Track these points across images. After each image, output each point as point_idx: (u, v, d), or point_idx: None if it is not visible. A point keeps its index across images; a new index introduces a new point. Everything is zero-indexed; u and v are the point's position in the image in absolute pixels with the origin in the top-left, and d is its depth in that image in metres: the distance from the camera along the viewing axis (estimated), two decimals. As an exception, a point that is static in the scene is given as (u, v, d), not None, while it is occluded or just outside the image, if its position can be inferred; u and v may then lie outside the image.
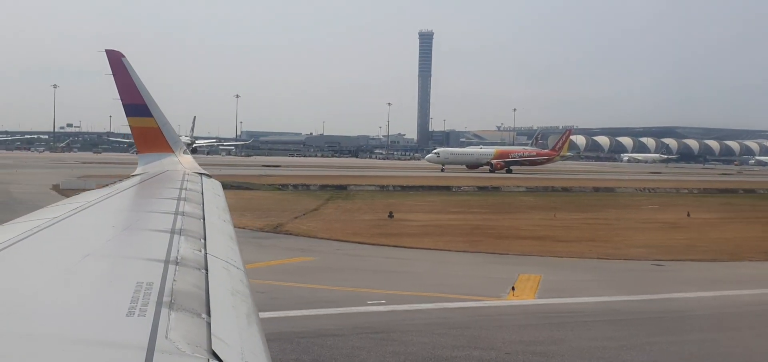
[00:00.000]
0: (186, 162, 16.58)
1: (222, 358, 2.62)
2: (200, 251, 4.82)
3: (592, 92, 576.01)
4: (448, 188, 68.55)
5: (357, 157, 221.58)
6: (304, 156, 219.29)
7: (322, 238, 30.47)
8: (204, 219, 6.65)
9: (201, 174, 14.68)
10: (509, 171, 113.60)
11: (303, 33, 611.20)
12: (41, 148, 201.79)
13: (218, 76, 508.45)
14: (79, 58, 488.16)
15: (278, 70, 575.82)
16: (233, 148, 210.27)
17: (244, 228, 33.19)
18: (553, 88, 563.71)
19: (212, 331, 2.92)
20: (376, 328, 15.77)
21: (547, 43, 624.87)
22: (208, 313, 3.20)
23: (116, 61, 16.14)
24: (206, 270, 4.21)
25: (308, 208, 43.46)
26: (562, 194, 67.24)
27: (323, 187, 63.00)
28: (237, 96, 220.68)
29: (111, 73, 16.18)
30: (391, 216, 37.98)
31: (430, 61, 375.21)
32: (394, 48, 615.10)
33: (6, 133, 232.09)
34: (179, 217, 6.35)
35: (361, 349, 13.87)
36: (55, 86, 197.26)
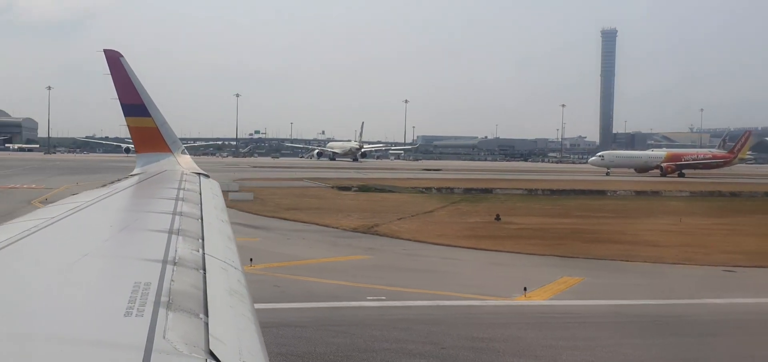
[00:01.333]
0: (184, 162, 16.57)
1: (220, 358, 2.62)
2: (198, 251, 4.82)
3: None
4: (601, 192, 65.62)
5: (527, 160, 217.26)
6: (473, 159, 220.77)
7: (404, 239, 30.46)
8: (202, 220, 6.65)
9: (199, 174, 14.67)
10: (681, 174, 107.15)
11: (476, 35, 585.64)
12: (225, 154, 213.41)
13: (387, 82, 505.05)
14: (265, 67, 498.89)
15: (451, 73, 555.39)
16: (402, 152, 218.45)
17: (337, 228, 33.92)
18: (746, 88, 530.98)
19: (210, 331, 2.92)
20: (343, 321, 16.16)
21: (739, 40, 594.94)
22: (206, 313, 3.20)
23: (114, 60, 16.13)
24: (204, 270, 4.21)
25: (424, 210, 43.33)
26: (723, 199, 63.39)
27: (468, 191, 62.37)
28: (406, 101, 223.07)
29: (109, 72, 16.16)
30: (498, 219, 37.62)
31: (614, 60, 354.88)
32: (572, 47, 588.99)
33: (201, 139, 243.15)
34: (177, 217, 6.35)
35: (300, 339, 14.24)
36: (237, 95, 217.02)
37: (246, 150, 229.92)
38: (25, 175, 70.88)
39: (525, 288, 18.92)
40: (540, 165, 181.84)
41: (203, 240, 5.40)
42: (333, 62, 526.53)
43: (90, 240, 5.43)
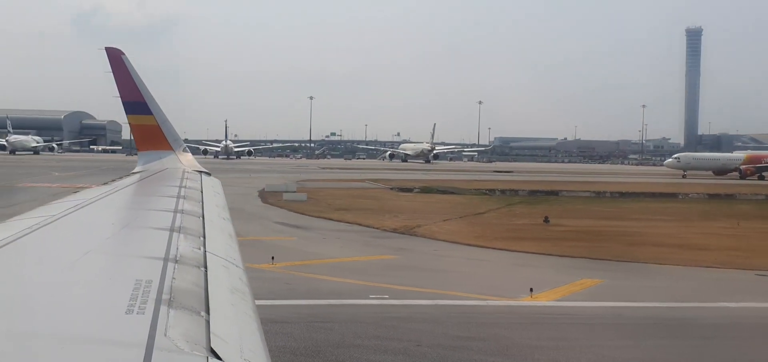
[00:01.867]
0: (186, 160, 16.60)
1: (221, 356, 2.62)
2: (199, 249, 4.82)
3: None
4: (672, 195, 63.90)
5: (605, 162, 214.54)
6: (550, 161, 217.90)
7: (440, 240, 30.10)
8: (203, 218, 6.66)
9: (201, 172, 14.69)
10: (761, 177, 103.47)
11: (556, 33, 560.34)
12: (299, 155, 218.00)
13: (463, 83, 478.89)
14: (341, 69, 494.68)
15: (530, 73, 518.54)
16: (476, 153, 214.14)
17: (378, 228, 33.62)
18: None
19: (211, 329, 2.92)
20: (334, 318, 16.29)
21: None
22: (208, 311, 3.20)
23: (116, 59, 16.14)
24: (205, 268, 4.21)
25: (476, 212, 43.13)
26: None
27: (532, 193, 61.17)
28: (480, 102, 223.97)
29: (110, 70, 16.17)
30: (546, 221, 37.19)
31: (699, 59, 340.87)
32: (655, 46, 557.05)
33: (278, 141, 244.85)
34: (178, 215, 6.35)
35: (281, 334, 14.29)
36: (311, 97, 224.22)
37: (319, 152, 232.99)
38: (87, 177, 71.17)
39: (531, 289, 18.84)
40: (618, 167, 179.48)
41: (205, 238, 5.40)
42: (408, 64, 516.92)
43: (91, 238, 5.43)
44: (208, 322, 3.02)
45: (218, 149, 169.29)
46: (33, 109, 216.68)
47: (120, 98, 16.39)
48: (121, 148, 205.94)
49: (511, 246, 28.47)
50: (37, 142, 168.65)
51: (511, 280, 21.81)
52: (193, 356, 2.55)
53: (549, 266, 24.36)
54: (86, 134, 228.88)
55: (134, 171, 15.61)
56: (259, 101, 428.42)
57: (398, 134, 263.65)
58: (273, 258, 22.68)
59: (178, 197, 8.36)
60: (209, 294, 3.54)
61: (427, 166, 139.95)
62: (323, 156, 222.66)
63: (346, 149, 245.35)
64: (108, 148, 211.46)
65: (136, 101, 16.47)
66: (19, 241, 4.67)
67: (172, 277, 3.63)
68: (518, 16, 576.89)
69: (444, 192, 59.45)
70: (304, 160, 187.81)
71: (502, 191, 62.86)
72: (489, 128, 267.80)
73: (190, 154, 17.59)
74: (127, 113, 16.72)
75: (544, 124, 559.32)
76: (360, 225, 34.96)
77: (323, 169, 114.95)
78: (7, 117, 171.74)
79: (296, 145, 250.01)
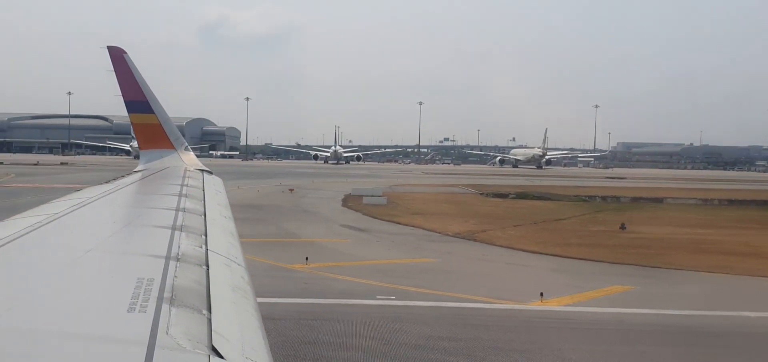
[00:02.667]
0: (187, 159, 16.61)
1: (222, 354, 2.62)
2: (201, 247, 4.82)
3: None
4: None
5: (732, 169, 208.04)
6: (672, 168, 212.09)
7: (497, 245, 29.83)
8: (205, 216, 6.66)
9: (202, 170, 14.70)
10: None
11: (678, 33, 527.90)
12: (408, 160, 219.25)
13: (579, 87, 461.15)
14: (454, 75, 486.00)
15: (653, 75, 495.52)
16: (591, 159, 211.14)
17: (440, 232, 33.66)
18: None
19: (213, 327, 2.93)
20: (325, 316, 16.55)
21: None
22: (209, 309, 3.20)
23: (118, 57, 16.16)
24: (207, 266, 4.21)
25: (555, 218, 42.72)
26: None
27: (636, 199, 59.67)
28: (596, 106, 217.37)
29: (113, 69, 16.19)
30: (622, 228, 36.28)
31: None
32: None
33: (391, 146, 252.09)
34: (180, 213, 6.36)
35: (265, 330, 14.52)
36: (420, 103, 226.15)
37: (428, 157, 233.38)
38: None
39: (541, 294, 18.84)
40: (744, 174, 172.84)
41: (206, 236, 5.40)
42: (521, 69, 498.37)
43: (93, 236, 5.44)
44: (209, 320, 3.03)
45: (328, 154, 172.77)
46: None
47: (122, 97, 16.40)
48: (238, 153, 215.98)
49: (566, 252, 27.96)
50: None
51: (537, 286, 21.19)
52: (194, 354, 2.55)
53: (589, 272, 23.94)
54: (206, 140, 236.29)
55: (136, 169, 15.63)
56: (374, 107, 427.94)
57: (513, 139, 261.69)
58: (307, 258, 23.31)
59: (180, 195, 8.36)
60: (211, 292, 3.54)
61: (538, 172, 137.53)
62: (432, 161, 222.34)
63: (459, 155, 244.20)
64: (226, 153, 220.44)
65: (138, 100, 16.48)
66: (22, 239, 4.68)
67: (174, 275, 3.64)
68: (643, 23, 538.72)
69: (539, 198, 58.35)
70: (413, 165, 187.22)
71: (603, 198, 61.18)
72: (609, 133, 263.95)
73: (192, 153, 17.60)
74: (129, 112, 16.73)
75: (669, 130, 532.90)
76: (424, 229, 34.90)
77: (426, 174, 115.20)
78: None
79: (407, 150, 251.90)
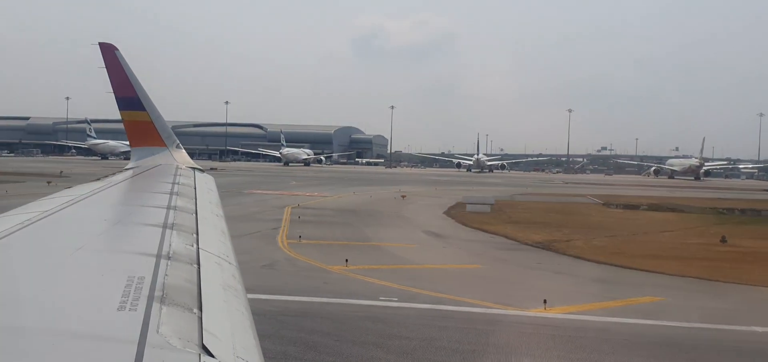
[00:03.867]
0: (179, 157, 16.54)
1: (213, 353, 2.61)
2: (192, 246, 4.80)
3: None
4: None
5: None
6: None
7: (565, 254, 29.62)
8: (196, 214, 6.64)
9: (194, 169, 14.64)
10: None
11: None
12: (556, 170, 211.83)
13: (739, 93, 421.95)
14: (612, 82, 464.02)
15: None
16: (756, 170, 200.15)
17: (519, 241, 33.58)
18: None
19: (204, 326, 2.91)
20: (314, 314, 17.14)
21: None
22: (200, 308, 3.19)
23: (109, 54, 16.08)
24: (198, 264, 4.20)
25: (662, 229, 41.34)
26: None
27: None
28: (760, 114, 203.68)
29: (104, 66, 16.12)
30: (723, 240, 35.05)
31: None
32: None
33: (533, 155, 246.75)
34: (171, 212, 6.33)
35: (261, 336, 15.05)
36: (569, 110, 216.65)
37: (578, 166, 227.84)
38: (318, 186, 77.56)
39: (545, 301, 18.92)
40: None
41: (198, 234, 5.38)
42: (687, 76, 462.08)
43: (83, 234, 5.40)
44: (200, 319, 3.02)
45: (470, 163, 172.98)
46: (308, 125, 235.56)
47: (113, 93, 16.33)
48: (383, 160, 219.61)
49: (641, 264, 27.18)
50: (308, 155, 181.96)
51: (557, 294, 20.96)
52: (185, 353, 2.54)
53: (631, 284, 23.48)
54: (354, 147, 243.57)
55: (127, 167, 15.56)
56: (526, 116, 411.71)
57: (677, 149, 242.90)
58: (347, 260, 24.20)
59: (171, 194, 8.33)
60: (202, 291, 3.53)
61: (694, 184, 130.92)
62: (582, 171, 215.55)
63: (614, 165, 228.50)
64: (371, 160, 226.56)
65: (129, 97, 16.40)
66: (11, 236, 4.64)
67: (165, 274, 3.62)
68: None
69: (671, 210, 56.30)
70: (561, 174, 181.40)
71: (742, 211, 57.87)
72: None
73: (183, 151, 17.52)
74: (120, 108, 16.64)
75: None
76: (506, 237, 34.95)
77: (566, 184, 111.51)
78: (281, 131, 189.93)
79: (554, 159, 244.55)
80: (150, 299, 3.07)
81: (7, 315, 2.86)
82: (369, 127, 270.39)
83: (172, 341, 2.59)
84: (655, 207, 58.80)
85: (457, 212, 47.79)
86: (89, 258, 4.29)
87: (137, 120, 16.58)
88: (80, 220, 6.38)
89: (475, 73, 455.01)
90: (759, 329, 18.03)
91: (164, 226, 5.38)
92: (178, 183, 9.93)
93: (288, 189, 71.05)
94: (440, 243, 32.92)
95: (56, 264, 3.96)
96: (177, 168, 14.16)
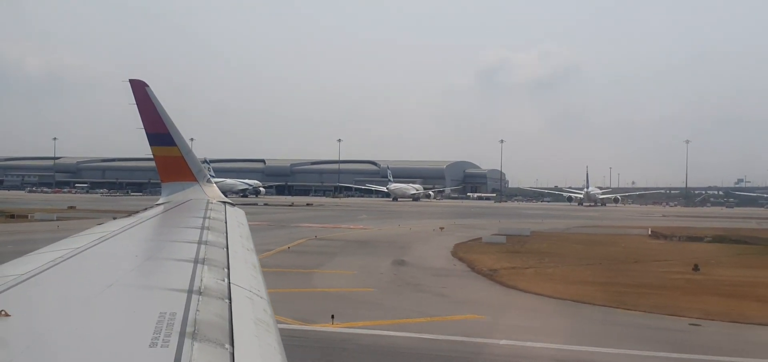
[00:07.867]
0: (210, 191, 16.62)
1: None
2: (224, 281, 4.77)
3: None
4: None
5: None
6: None
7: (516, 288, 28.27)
8: (227, 249, 6.62)
9: (225, 203, 14.69)
10: None
11: None
12: (674, 203, 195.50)
13: None
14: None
15: None
16: None
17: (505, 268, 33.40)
18: None
19: (235, 361, 2.87)
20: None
21: None
22: (232, 343, 3.15)
23: (140, 90, 16.27)
24: (230, 299, 4.17)
25: (701, 261, 36.81)
26: None
27: None
28: None
29: (135, 103, 16.30)
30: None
31: None
32: None
33: (650, 188, 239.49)
34: (203, 246, 6.33)
35: None
36: (687, 141, 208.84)
37: (699, 199, 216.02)
38: (379, 220, 78.13)
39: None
40: None
41: (229, 269, 5.36)
42: None
43: (115, 270, 5.41)
44: (232, 354, 2.98)
45: (581, 196, 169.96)
46: (421, 160, 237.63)
47: (144, 129, 16.49)
48: (495, 194, 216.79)
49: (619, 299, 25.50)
50: (417, 190, 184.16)
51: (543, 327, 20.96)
52: None
53: (576, 315, 22.96)
54: (468, 182, 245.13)
55: (158, 202, 15.67)
56: (649, 146, 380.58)
57: None
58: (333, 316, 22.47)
59: (202, 228, 8.34)
60: (233, 326, 3.49)
61: None
62: (702, 204, 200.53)
63: (742, 198, 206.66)
64: (483, 195, 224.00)
65: (159, 133, 16.54)
66: (44, 274, 4.66)
67: (196, 309, 3.59)
68: None
69: (736, 242, 52.29)
70: (678, 208, 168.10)
71: None
72: None
73: (214, 185, 17.62)
74: (151, 144, 16.78)
75: None
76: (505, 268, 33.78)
77: (665, 216, 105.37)
78: (388, 167, 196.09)
79: (671, 191, 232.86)
80: (182, 335, 3.04)
81: (41, 352, 2.85)
82: (488, 160, 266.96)
83: None
84: (721, 238, 54.24)
85: (475, 244, 46.52)
86: (121, 294, 4.28)
87: (168, 155, 16.71)
88: (112, 256, 6.41)
89: (598, 103, 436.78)
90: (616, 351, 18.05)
91: (195, 261, 5.36)
92: (209, 218, 9.96)
93: (346, 222, 70.42)
94: (409, 273, 31.96)
95: (88, 301, 3.96)
96: (208, 202, 14.22)
